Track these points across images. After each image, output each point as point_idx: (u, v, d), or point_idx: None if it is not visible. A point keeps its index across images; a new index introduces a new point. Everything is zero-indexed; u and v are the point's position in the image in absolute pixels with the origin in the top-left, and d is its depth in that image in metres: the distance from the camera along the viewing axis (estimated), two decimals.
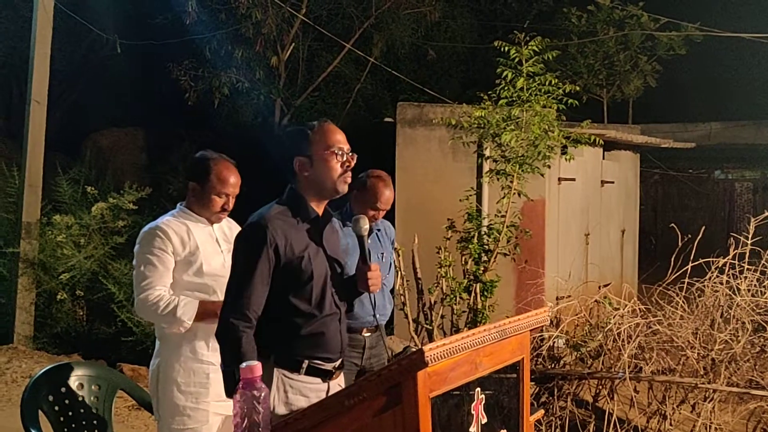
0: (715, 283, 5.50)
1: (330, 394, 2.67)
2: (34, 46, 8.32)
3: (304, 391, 2.65)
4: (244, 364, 1.88)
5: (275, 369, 2.62)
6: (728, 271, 5.50)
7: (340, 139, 2.68)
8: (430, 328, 5.80)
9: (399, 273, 5.46)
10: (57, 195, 8.82)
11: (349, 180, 2.71)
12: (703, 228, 6.06)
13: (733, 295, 5.41)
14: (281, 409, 2.60)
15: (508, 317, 2.53)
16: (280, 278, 2.60)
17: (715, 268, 5.56)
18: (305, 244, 2.65)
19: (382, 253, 4.17)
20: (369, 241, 4.06)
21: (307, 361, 2.65)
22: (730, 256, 5.58)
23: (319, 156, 2.64)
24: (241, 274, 2.60)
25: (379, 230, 4.21)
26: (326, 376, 2.71)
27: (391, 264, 4.30)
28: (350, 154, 2.69)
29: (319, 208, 2.74)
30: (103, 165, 12.37)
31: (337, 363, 2.76)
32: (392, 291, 4.44)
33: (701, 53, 15.00)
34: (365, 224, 2.80)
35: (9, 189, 8.73)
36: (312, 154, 2.65)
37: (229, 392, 2.52)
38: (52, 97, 8.55)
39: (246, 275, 2.57)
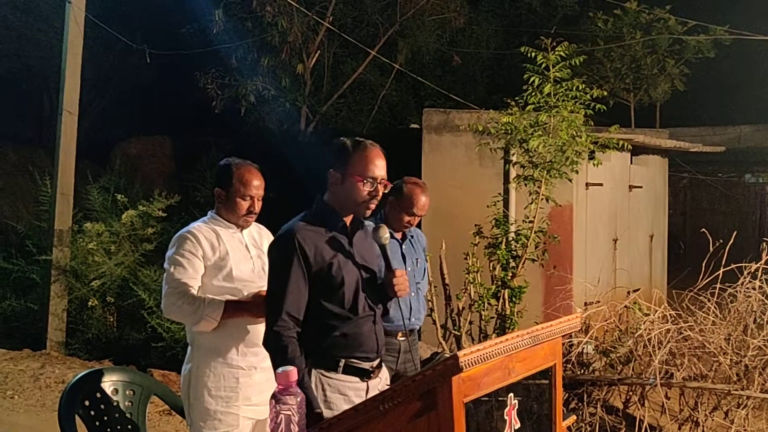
0: (747, 288, 5.43)
1: (369, 393, 2.73)
2: (65, 57, 8.46)
3: (342, 389, 2.71)
4: (279, 370, 1.90)
5: (313, 369, 2.70)
6: (761, 276, 5.44)
7: (377, 166, 2.74)
8: (458, 334, 5.79)
9: (427, 279, 5.46)
10: (88, 203, 8.94)
11: (372, 207, 2.78)
12: (735, 233, 5.99)
13: (766, 301, 5.35)
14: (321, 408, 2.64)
15: (536, 323, 2.53)
16: (312, 284, 2.69)
17: (748, 273, 5.50)
18: (334, 252, 2.73)
19: (417, 259, 4.19)
20: (404, 246, 4.11)
21: (343, 360, 2.72)
22: (762, 261, 5.52)
23: (351, 178, 2.72)
24: (276, 284, 2.70)
25: (412, 236, 4.23)
26: (364, 375, 2.76)
27: (425, 269, 4.33)
28: (382, 183, 2.74)
29: (348, 217, 2.81)
30: (132, 173, 12.53)
31: (375, 363, 2.81)
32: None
33: (730, 56, 14.82)
34: (385, 233, 2.84)
35: (41, 197, 8.88)
36: (346, 172, 2.72)
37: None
38: (81, 105, 8.69)
39: (281, 283, 2.67)
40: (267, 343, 2.68)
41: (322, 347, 2.72)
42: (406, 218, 4.03)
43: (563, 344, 5.35)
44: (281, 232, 2.75)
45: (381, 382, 2.86)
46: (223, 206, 3.25)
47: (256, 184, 3.23)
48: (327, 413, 2.60)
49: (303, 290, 2.68)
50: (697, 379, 5.20)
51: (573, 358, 5.42)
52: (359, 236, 2.84)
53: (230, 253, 3.19)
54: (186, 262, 3.13)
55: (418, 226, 4.41)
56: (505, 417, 2.23)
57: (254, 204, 3.23)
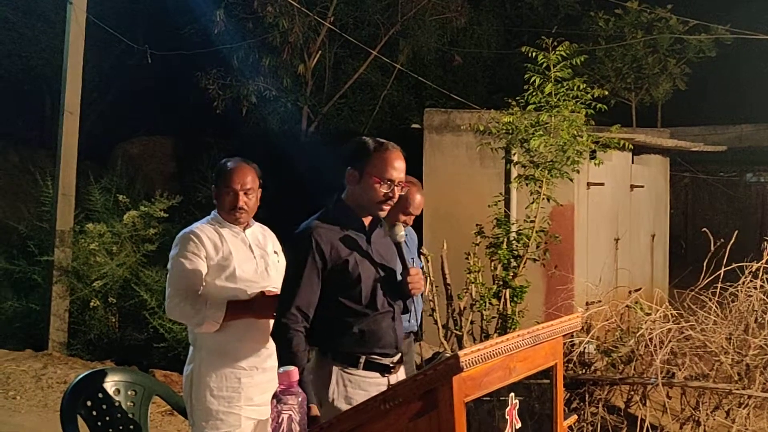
0: (748, 287, 5.43)
1: None
2: (66, 57, 8.47)
3: (363, 385, 2.74)
4: (281, 370, 1.90)
5: (333, 365, 2.73)
6: (762, 275, 5.44)
7: (396, 168, 2.75)
8: (460, 333, 5.79)
9: (428, 279, 5.47)
10: (89, 203, 8.95)
11: (387, 208, 2.80)
12: (736, 232, 5.99)
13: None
14: (341, 403, 2.69)
15: (538, 323, 2.53)
16: (329, 281, 2.72)
17: (749, 273, 5.50)
18: (350, 250, 2.75)
19: (413, 258, 4.19)
20: None
21: (364, 357, 2.75)
22: (764, 261, 5.51)
23: (369, 178, 2.74)
24: (290, 279, 2.74)
25: (406, 235, 4.23)
26: (385, 370, 2.79)
27: (421, 268, 4.34)
28: (399, 185, 2.76)
29: (366, 217, 2.84)
30: (133, 173, 12.53)
31: (395, 358, 2.84)
32: (421, 296, 4.45)
33: (731, 55, 14.82)
34: (401, 231, 2.87)
35: (43, 198, 8.89)
36: (363, 172, 2.75)
37: None
38: (82, 106, 8.70)
39: (295, 279, 2.71)
40: (274, 335, 2.73)
41: (342, 343, 2.75)
42: (402, 217, 4.03)
43: (564, 344, 5.34)
44: (299, 230, 2.78)
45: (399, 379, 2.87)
46: (218, 205, 3.26)
47: (244, 180, 3.19)
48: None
49: (315, 287, 2.71)
50: (699, 378, 5.20)
51: (574, 358, 5.42)
52: (378, 234, 2.87)
53: (233, 253, 3.18)
54: (189, 263, 3.13)
55: (419, 225, 4.41)
56: (506, 416, 2.23)
57: (238, 198, 3.18)
